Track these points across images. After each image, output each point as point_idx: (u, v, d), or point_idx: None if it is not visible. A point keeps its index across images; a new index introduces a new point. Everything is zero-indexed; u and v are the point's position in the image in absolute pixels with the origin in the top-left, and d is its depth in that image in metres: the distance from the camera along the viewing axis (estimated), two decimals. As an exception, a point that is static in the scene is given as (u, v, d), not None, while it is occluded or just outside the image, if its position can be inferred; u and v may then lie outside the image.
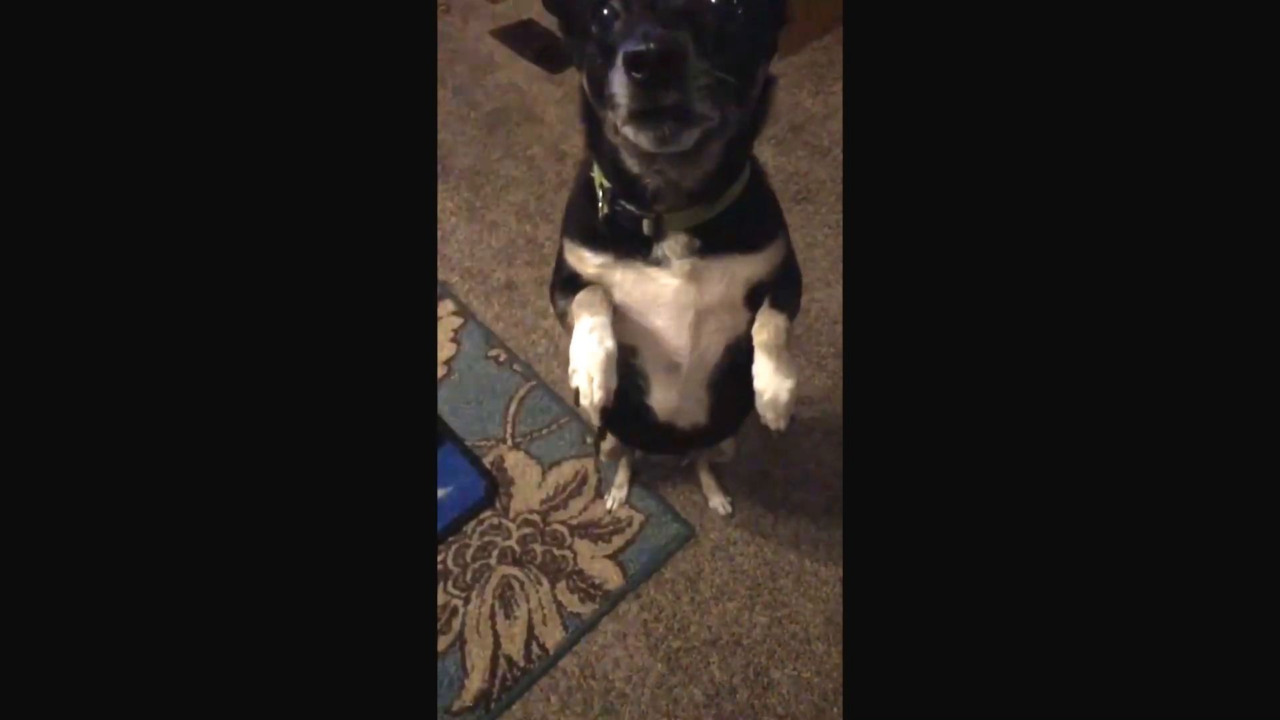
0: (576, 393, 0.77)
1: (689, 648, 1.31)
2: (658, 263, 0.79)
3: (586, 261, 0.83)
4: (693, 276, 0.80)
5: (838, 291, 1.81)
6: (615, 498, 1.45)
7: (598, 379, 0.76)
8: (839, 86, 2.34)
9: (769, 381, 0.80)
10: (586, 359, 0.77)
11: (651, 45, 0.56)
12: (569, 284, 0.86)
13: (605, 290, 0.83)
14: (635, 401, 0.85)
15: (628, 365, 0.83)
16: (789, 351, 0.82)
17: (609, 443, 1.32)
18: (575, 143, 2.27)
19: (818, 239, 1.94)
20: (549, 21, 2.67)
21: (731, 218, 0.78)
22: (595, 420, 0.83)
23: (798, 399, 0.82)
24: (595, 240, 0.82)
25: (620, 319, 0.83)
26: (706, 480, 1.47)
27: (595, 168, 0.80)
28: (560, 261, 0.88)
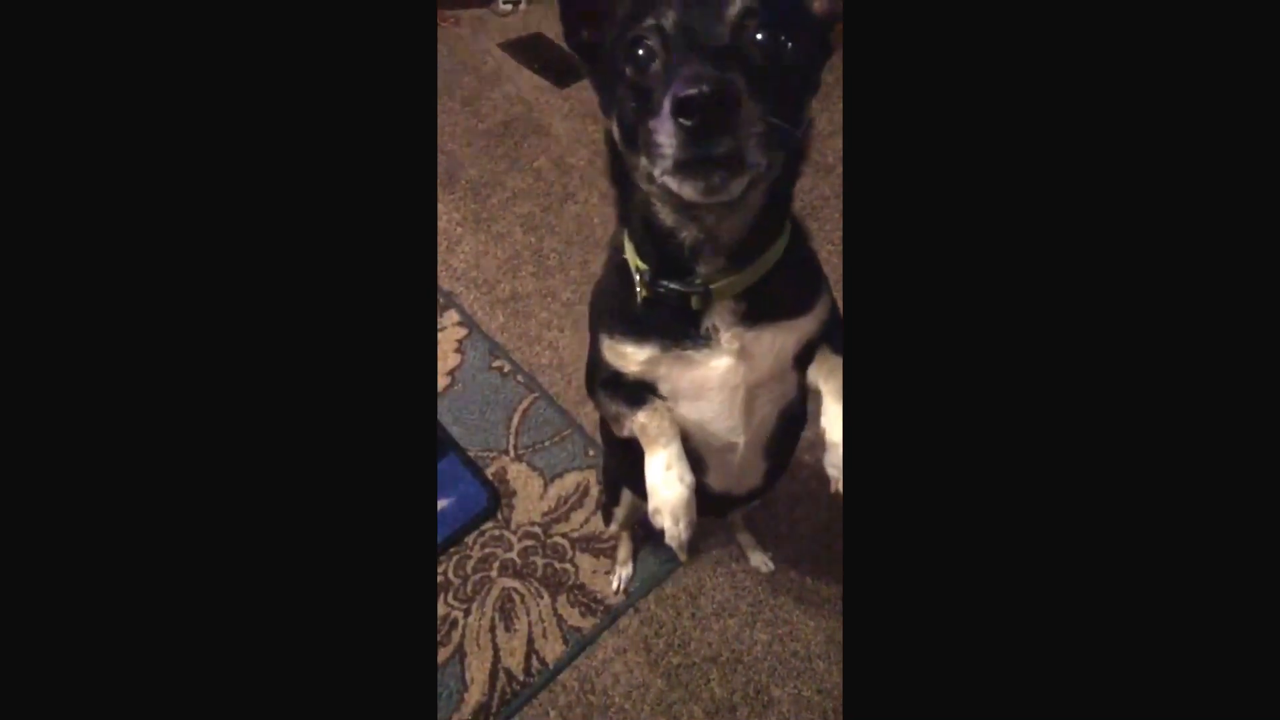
0: (662, 532, 0.76)
1: (689, 664, 1.30)
2: (706, 341, 0.74)
3: (629, 359, 0.77)
4: (743, 353, 0.75)
5: (841, 308, 1.82)
6: (621, 576, 1.39)
7: (684, 519, 0.75)
8: (842, 105, 2.35)
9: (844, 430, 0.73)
10: (670, 500, 0.74)
11: (704, 89, 0.51)
12: (613, 383, 0.81)
13: (664, 405, 0.78)
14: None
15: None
16: None
17: (624, 509, 1.24)
18: (581, 155, 2.28)
19: (822, 256, 1.93)
20: (557, 34, 2.71)
21: (778, 279, 0.73)
22: (683, 557, 0.81)
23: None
24: (635, 331, 0.76)
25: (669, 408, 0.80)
26: (745, 539, 1.43)
27: (627, 247, 0.75)
28: (597, 359, 0.82)
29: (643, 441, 0.78)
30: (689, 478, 0.75)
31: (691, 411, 0.80)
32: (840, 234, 2.00)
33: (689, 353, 0.75)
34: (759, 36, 0.59)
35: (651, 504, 0.76)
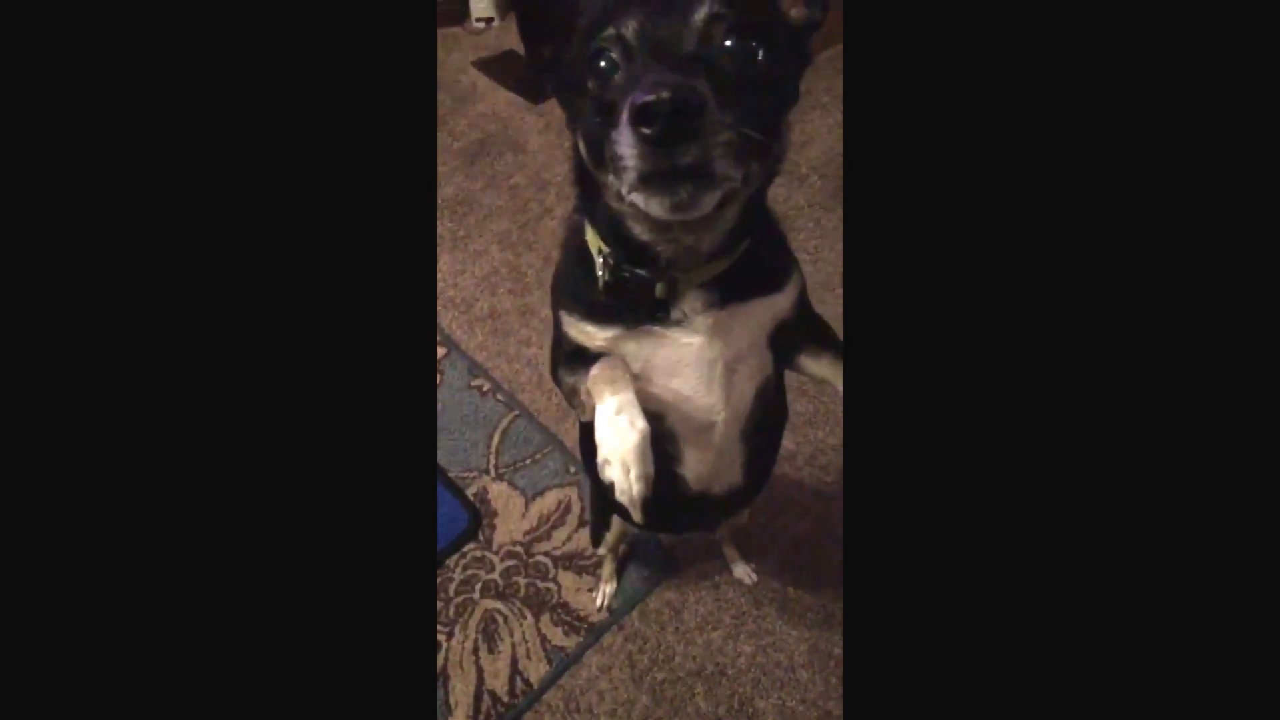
0: (611, 487, 0.66)
1: (673, 679, 1.30)
2: (676, 323, 0.71)
3: (593, 336, 0.74)
4: (716, 330, 0.72)
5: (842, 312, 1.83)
6: (604, 593, 1.38)
7: (635, 469, 0.64)
8: (816, 115, 2.38)
9: None
10: (618, 447, 0.65)
11: (664, 94, 0.48)
12: (575, 358, 0.76)
13: (622, 359, 0.73)
14: (664, 475, 0.73)
15: (655, 434, 0.71)
16: None
17: (614, 533, 1.23)
18: (558, 171, 2.29)
19: (797, 264, 1.96)
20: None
21: (748, 262, 0.71)
22: (638, 516, 0.70)
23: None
24: (598, 312, 0.73)
25: (641, 387, 0.73)
26: (730, 551, 1.43)
27: (588, 230, 0.72)
28: (559, 335, 0.79)
29: (593, 394, 0.70)
30: (641, 423, 0.66)
31: (667, 388, 0.75)
32: (815, 242, 2.02)
33: (658, 329, 0.71)
34: (728, 43, 0.56)
35: (600, 454, 0.67)
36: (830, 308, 1.84)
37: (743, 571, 1.42)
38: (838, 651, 1.32)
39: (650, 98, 0.48)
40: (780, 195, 2.15)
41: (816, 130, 2.33)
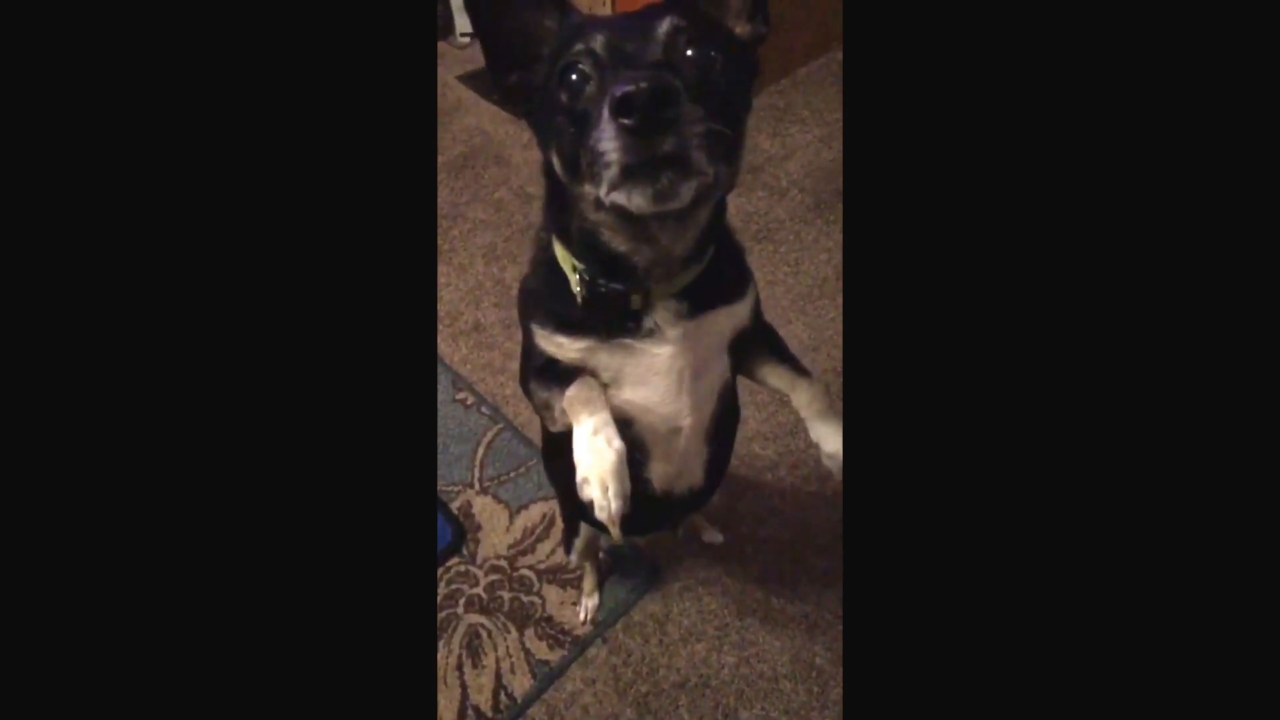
0: (590, 505, 0.69)
1: (658, 691, 1.31)
2: (648, 334, 0.74)
3: (565, 348, 0.76)
4: (685, 339, 0.76)
5: (798, 328, 1.86)
6: (587, 607, 1.39)
7: (613, 486, 0.68)
8: (796, 129, 2.42)
9: (840, 443, 0.80)
10: (597, 466, 0.69)
11: (642, 85, 0.51)
12: (547, 369, 0.79)
13: (595, 378, 0.76)
14: (631, 480, 0.76)
15: (623, 441, 0.75)
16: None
17: (582, 540, 1.24)
18: (543, 185, 2.31)
19: (778, 277, 1.99)
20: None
21: (712, 273, 0.76)
22: (615, 534, 0.71)
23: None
24: (571, 324, 0.75)
25: (610, 394, 0.77)
26: (696, 519, 1.44)
27: (557, 248, 0.75)
28: (531, 347, 0.82)
29: (570, 414, 0.74)
30: (618, 443, 0.70)
31: (636, 397, 0.78)
32: (795, 254, 2.05)
33: (629, 341, 0.74)
34: (690, 53, 0.61)
35: (579, 474, 0.70)
36: (812, 319, 1.89)
37: (711, 535, 1.45)
38: (820, 661, 1.34)
39: (630, 88, 0.52)
40: (761, 209, 2.18)
41: (796, 144, 2.37)
